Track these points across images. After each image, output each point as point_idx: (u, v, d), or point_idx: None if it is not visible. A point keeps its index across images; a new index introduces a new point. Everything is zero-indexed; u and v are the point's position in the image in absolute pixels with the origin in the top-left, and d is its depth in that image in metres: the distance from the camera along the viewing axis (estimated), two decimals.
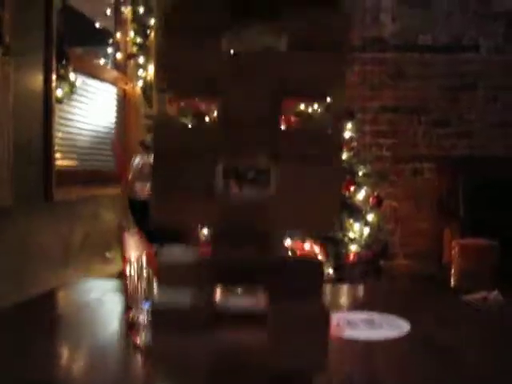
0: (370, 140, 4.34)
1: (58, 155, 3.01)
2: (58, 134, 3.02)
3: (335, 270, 3.09)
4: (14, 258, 2.58)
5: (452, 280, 2.28)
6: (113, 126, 3.96)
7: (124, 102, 4.02)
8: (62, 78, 2.86)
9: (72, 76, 2.88)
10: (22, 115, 2.67)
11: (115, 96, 3.96)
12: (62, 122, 3.10)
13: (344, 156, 3.43)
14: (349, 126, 3.39)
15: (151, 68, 3.94)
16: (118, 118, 4.00)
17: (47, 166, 2.86)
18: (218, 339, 0.43)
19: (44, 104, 2.83)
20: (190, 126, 0.44)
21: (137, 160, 0.96)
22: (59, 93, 2.88)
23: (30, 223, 2.70)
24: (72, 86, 2.90)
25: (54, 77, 2.83)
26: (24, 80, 2.69)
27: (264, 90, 0.43)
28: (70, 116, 3.21)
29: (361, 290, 1.39)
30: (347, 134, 3.38)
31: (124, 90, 4.01)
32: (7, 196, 2.52)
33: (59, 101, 2.88)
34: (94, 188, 3.38)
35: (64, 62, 2.85)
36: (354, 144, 3.43)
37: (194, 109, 3.33)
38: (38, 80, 2.79)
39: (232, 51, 0.42)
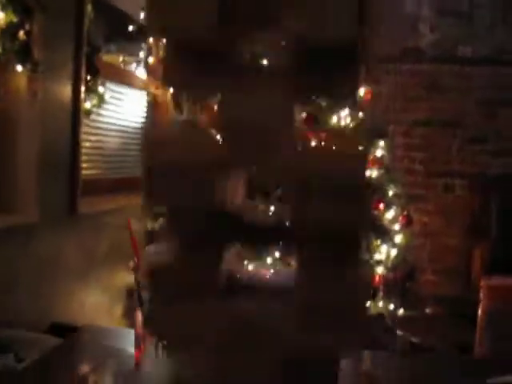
0: (402, 153, 4.25)
1: (84, 165, 3.00)
2: (86, 144, 3.01)
3: None
4: (39, 273, 2.59)
5: (478, 326, 2.21)
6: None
7: (154, 107, 3.99)
8: (91, 91, 2.84)
9: (101, 89, 2.86)
10: (50, 129, 2.66)
11: (145, 101, 3.93)
12: (90, 130, 3.08)
13: (374, 174, 3.35)
14: (381, 143, 3.31)
15: None
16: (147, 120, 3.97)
17: (73, 179, 2.85)
18: (233, 308, 0.39)
19: (72, 116, 2.81)
20: None
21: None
22: (88, 105, 2.86)
23: (55, 237, 2.71)
24: (101, 98, 2.88)
25: (82, 89, 2.81)
26: (53, 92, 2.68)
27: None
28: (97, 124, 3.19)
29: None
30: (379, 153, 3.30)
31: (155, 95, 3.98)
32: (33, 213, 2.53)
33: (88, 113, 2.86)
34: (120, 196, 3.37)
35: (93, 74, 2.82)
36: (386, 163, 3.34)
37: None
38: (66, 92, 2.77)
39: None
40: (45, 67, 2.50)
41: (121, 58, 4.74)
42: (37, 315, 2.49)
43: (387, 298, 3.11)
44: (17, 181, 2.52)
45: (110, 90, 3.25)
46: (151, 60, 3.97)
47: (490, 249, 4.00)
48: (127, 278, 3.35)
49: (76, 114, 2.81)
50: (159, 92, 4.00)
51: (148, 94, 3.91)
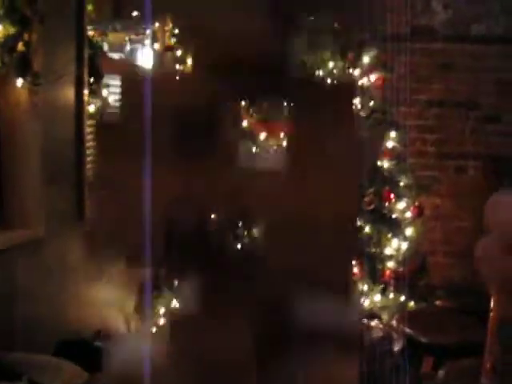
0: (414, 135, 4.16)
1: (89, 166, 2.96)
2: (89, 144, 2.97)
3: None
4: (50, 284, 2.60)
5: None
6: None
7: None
8: (95, 94, 2.79)
9: (104, 92, 2.80)
10: (53, 137, 2.63)
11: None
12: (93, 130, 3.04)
13: (385, 165, 3.30)
14: (392, 134, 3.24)
15: (189, 61, 3.83)
16: None
17: (80, 184, 2.82)
18: None
19: (76, 121, 2.77)
20: None
21: None
22: (92, 108, 2.81)
23: (64, 246, 2.70)
24: (105, 102, 2.83)
25: (86, 92, 2.76)
26: (55, 98, 2.64)
27: None
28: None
29: None
30: (390, 144, 3.24)
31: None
32: (40, 226, 2.51)
33: (92, 116, 2.82)
34: None
35: (97, 77, 2.77)
36: (397, 152, 3.29)
37: None
38: (69, 97, 2.73)
39: None
40: (45, 79, 2.45)
41: (127, 38, 4.66)
42: (46, 329, 2.51)
43: (397, 292, 3.10)
44: (21, 194, 2.50)
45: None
46: (156, 47, 3.89)
47: None
48: (138, 274, 3.36)
49: (80, 118, 2.77)
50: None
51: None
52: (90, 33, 2.92)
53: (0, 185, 2.50)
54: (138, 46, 4.61)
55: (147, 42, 3.98)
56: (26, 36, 2.35)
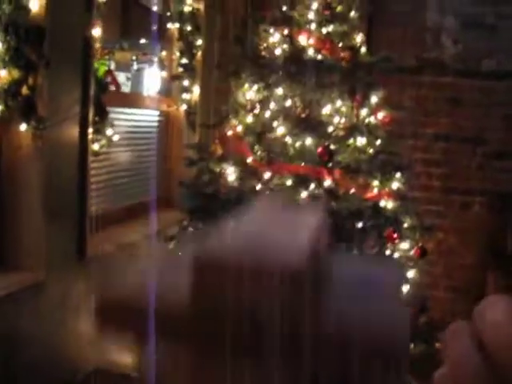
0: (420, 169, 4.14)
1: (92, 201, 2.95)
2: (93, 179, 2.96)
3: None
4: (51, 326, 2.59)
5: None
6: (154, 150, 3.88)
7: (167, 125, 3.91)
8: (99, 133, 2.77)
9: (109, 131, 2.79)
10: (56, 177, 2.62)
11: (157, 119, 3.85)
12: (98, 165, 3.03)
13: (390, 205, 3.28)
14: (397, 175, 3.22)
15: (196, 90, 3.81)
16: (160, 141, 3.91)
17: (81, 223, 2.81)
18: None
19: (80, 159, 2.76)
20: None
21: None
22: (96, 146, 2.80)
23: (65, 286, 2.69)
24: (109, 140, 2.81)
25: (90, 131, 2.75)
26: (59, 137, 2.62)
27: None
28: (106, 158, 3.14)
29: None
30: (395, 185, 3.21)
31: (167, 113, 3.89)
32: (41, 270, 2.51)
33: (96, 154, 2.81)
34: (130, 229, 3.35)
35: (101, 115, 2.76)
36: (404, 193, 3.26)
37: (240, 154, 3.21)
38: (73, 135, 2.71)
39: None
40: (50, 121, 2.44)
41: (134, 57, 4.65)
42: (53, 370, 2.51)
43: None
44: (22, 234, 2.49)
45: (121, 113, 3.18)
46: (164, 75, 3.88)
47: (504, 270, 3.93)
48: None
49: (84, 156, 2.75)
50: (171, 109, 3.92)
51: (160, 112, 3.83)
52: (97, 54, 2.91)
53: (1, 225, 2.49)
54: (145, 65, 4.61)
55: (155, 60, 3.96)
56: (30, 80, 2.35)
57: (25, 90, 2.34)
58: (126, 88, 4.18)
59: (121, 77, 4.13)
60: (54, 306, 2.59)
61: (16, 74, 2.29)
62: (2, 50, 2.25)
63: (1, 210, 2.46)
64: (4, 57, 2.26)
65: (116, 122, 3.05)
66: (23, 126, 2.33)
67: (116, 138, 2.83)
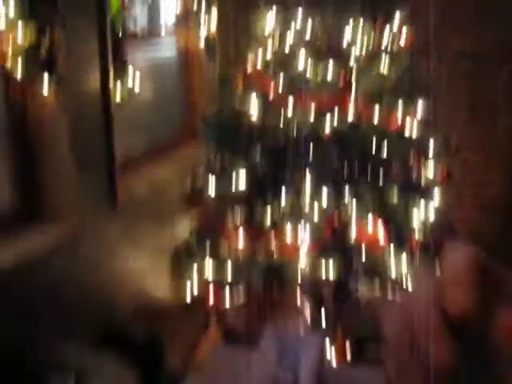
0: (445, 88, 4.06)
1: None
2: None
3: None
4: (89, 273, 2.72)
5: None
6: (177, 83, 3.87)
7: (186, 58, 3.88)
8: (120, 82, 2.78)
9: (130, 82, 2.79)
10: (81, 127, 2.66)
11: (176, 52, 3.82)
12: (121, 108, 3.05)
13: (414, 131, 3.25)
14: (420, 103, 3.16)
15: (214, 22, 3.74)
16: (181, 75, 3.90)
17: (110, 168, 2.88)
18: None
19: (103, 107, 2.80)
20: None
21: None
22: (117, 97, 2.82)
23: (100, 233, 2.81)
24: (130, 91, 2.82)
25: (111, 82, 2.76)
26: (81, 89, 2.66)
27: None
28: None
29: None
30: (419, 110, 3.17)
31: (186, 46, 3.83)
32: (75, 220, 2.60)
33: (118, 105, 2.83)
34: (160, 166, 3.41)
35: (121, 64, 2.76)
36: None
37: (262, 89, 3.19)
38: (95, 85, 2.74)
39: None
40: (70, 75, 2.46)
41: None
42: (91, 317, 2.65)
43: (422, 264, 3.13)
44: (56, 189, 2.58)
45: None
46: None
47: None
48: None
49: (107, 105, 2.79)
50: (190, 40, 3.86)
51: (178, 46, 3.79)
52: None
53: (34, 180, 2.58)
54: None
55: None
56: (47, 37, 2.35)
57: (43, 48, 2.35)
58: (143, 20, 4.13)
59: (137, 9, 4.06)
60: (90, 253, 2.70)
61: (33, 32, 2.29)
62: (16, 9, 2.25)
63: (32, 165, 2.53)
64: (19, 16, 2.26)
65: (136, 62, 3.04)
66: (46, 83, 2.35)
67: (137, 87, 2.82)
